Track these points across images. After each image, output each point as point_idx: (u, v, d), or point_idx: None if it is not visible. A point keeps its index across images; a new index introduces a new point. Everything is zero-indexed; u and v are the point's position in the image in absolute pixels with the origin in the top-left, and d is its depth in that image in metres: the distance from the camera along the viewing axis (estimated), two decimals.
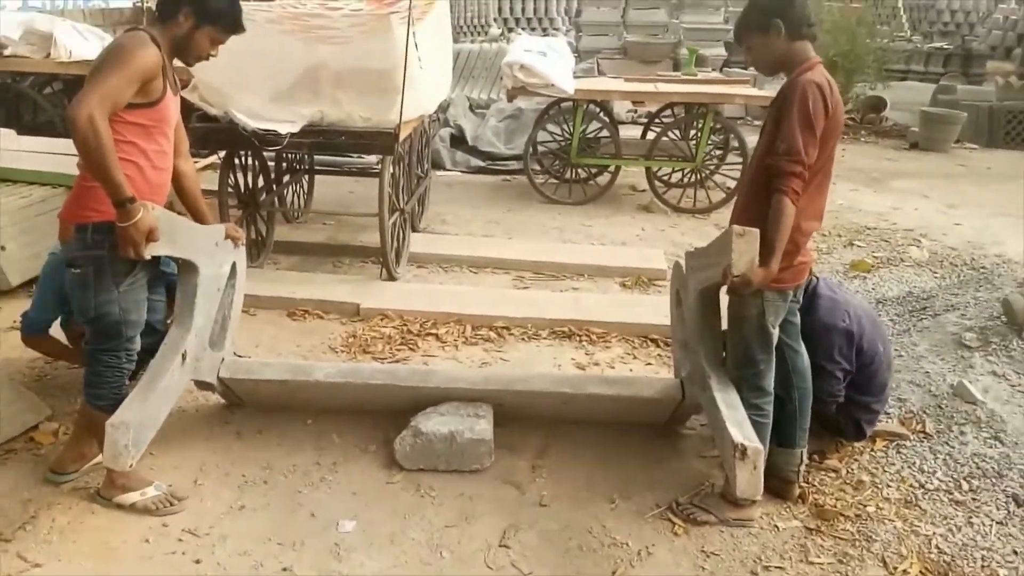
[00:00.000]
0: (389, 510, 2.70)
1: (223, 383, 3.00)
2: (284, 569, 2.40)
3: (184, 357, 2.68)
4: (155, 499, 2.61)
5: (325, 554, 2.48)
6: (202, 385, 2.99)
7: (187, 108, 4.14)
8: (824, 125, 2.46)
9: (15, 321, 3.95)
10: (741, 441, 2.36)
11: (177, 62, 2.59)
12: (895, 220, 6.37)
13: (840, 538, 2.63)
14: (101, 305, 2.48)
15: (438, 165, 7.53)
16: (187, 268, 2.71)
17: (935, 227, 6.15)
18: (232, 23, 2.56)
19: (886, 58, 11.33)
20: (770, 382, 2.72)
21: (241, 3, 2.59)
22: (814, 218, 2.62)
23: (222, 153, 4.74)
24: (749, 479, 2.35)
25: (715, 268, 2.53)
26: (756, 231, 2.36)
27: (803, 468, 2.84)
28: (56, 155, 4.90)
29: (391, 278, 4.71)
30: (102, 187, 2.27)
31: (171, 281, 2.97)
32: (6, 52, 6.20)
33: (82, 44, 6.35)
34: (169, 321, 2.83)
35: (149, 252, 2.36)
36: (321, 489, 2.80)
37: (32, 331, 3.24)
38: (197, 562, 2.41)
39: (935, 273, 5.02)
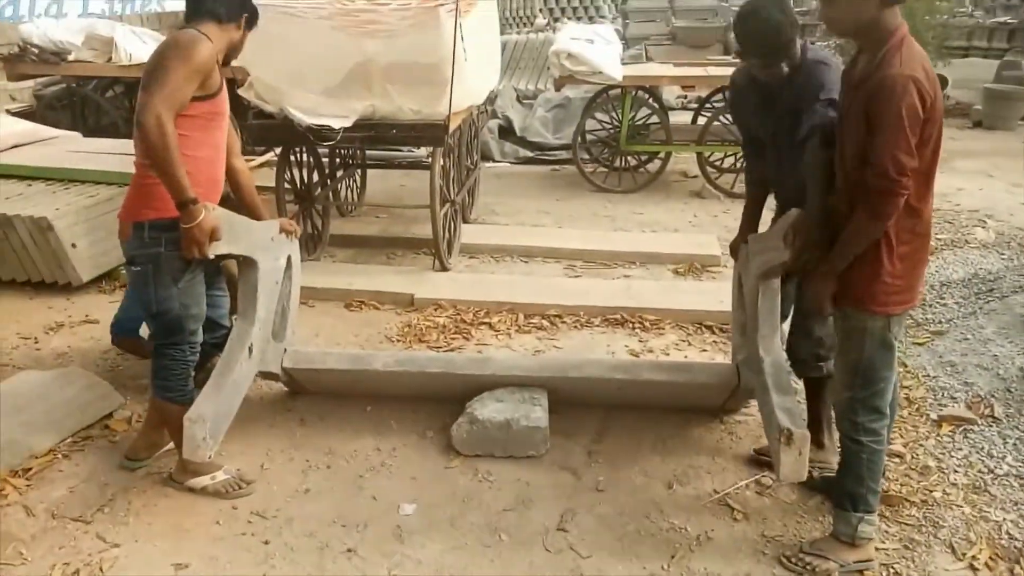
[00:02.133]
0: (448, 494, 2.74)
1: (287, 373, 3.08)
2: (349, 550, 2.46)
3: (251, 350, 2.76)
4: (225, 483, 2.70)
5: (387, 536, 2.53)
6: (266, 375, 3.08)
7: (244, 106, 4.26)
8: (924, 123, 2.11)
9: (87, 315, 4.13)
10: (788, 426, 2.34)
11: None
12: (959, 201, 6.17)
13: (906, 524, 2.58)
14: (162, 301, 2.55)
15: (487, 156, 7.56)
16: (247, 264, 2.78)
17: (1001, 207, 5.94)
18: (255, 24, 2.71)
19: (947, 34, 10.96)
20: (887, 403, 2.39)
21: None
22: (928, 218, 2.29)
23: (278, 150, 4.86)
24: (793, 464, 2.32)
25: (776, 252, 2.50)
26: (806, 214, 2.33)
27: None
28: (120, 155, 5.08)
29: (444, 268, 4.76)
30: (166, 188, 2.34)
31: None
32: (70, 58, 6.42)
33: (141, 47, 6.54)
34: (234, 316, 2.92)
35: (212, 252, 2.43)
36: (382, 474, 2.86)
37: (122, 333, 3.38)
38: (265, 543, 2.49)
39: (1002, 254, 4.85)
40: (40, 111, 6.78)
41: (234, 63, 2.80)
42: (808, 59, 2.56)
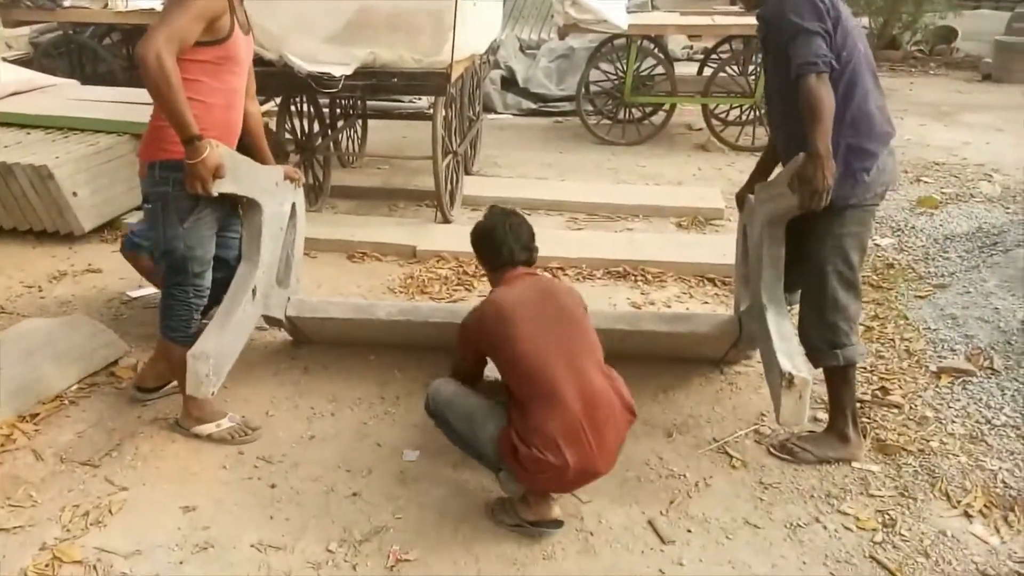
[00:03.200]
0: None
1: (290, 321, 3.09)
2: (354, 494, 2.50)
3: (254, 292, 2.77)
4: (230, 430, 2.73)
5: (392, 481, 2.58)
6: (271, 321, 3.10)
7: None
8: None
9: (90, 264, 4.14)
10: (789, 370, 2.35)
11: None
12: (965, 155, 6.11)
13: (902, 473, 2.62)
14: (168, 240, 2.58)
15: (489, 108, 7.48)
16: (251, 207, 2.78)
17: (1008, 161, 5.89)
18: None
19: None
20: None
21: None
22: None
23: (278, 100, 4.80)
24: (794, 408, 2.35)
25: (782, 199, 2.48)
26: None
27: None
28: (118, 103, 5.03)
29: (446, 220, 4.75)
30: (170, 124, 2.33)
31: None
32: (66, 4, 6.31)
33: None
34: None
35: (216, 189, 2.43)
36: (385, 421, 2.89)
37: (131, 247, 3.42)
38: (272, 487, 2.53)
39: (1007, 208, 4.83)
40: (37, 59, 6.69)
41: None
42: None
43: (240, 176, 2.58)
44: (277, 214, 2.92)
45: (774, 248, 2.68)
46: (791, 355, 2.45)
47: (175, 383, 2.88)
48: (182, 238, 2.56)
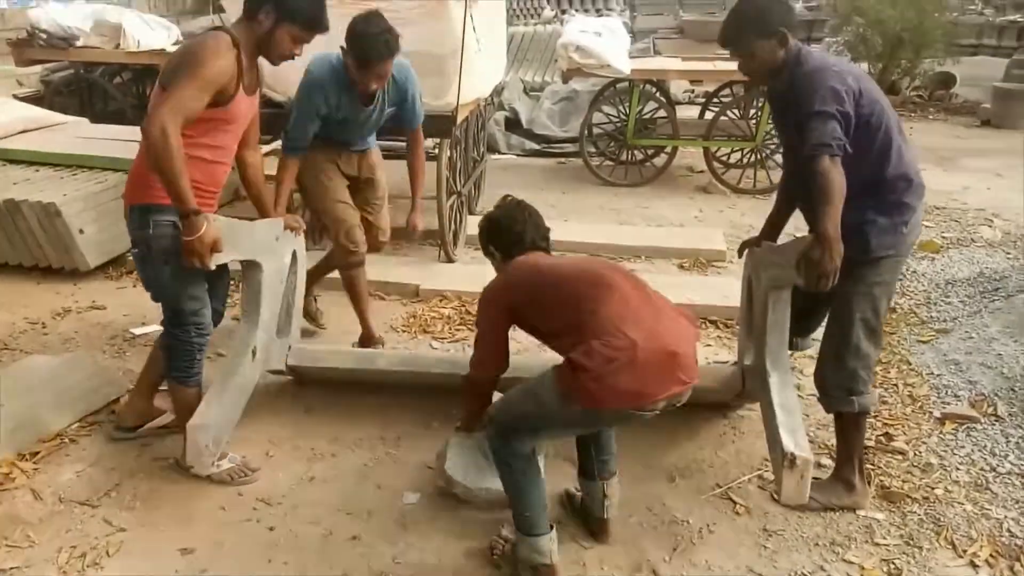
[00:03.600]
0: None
1: (292, 369, 3.10)
2: (353, 537, 2.48)
3: (254, 353, 2.77)
4: (230, 471, 2.71)
5: (392, 524, 2.55)
6: (272, 372, 3.10)
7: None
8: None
9: (94, 301, 4.15)
10: (792, 450, 2.37)
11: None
12: (966, 200, 6.16)
13: (907, 521, 2.59)
14: (158, 283, 2.60)
15: (493, 148, 7.55)
16: (250, 267, 2.76)
17: (1008, 207, 5.92)
18: (313, 22, 2.54)
19: (956, 32, 10.89)
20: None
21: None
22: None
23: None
24: (795, 488, 2.40)
25: (788, 272, 2.49)
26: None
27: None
28: (127, 142, 5.08)
29: (449, 260, 4.77)
30: (169, 196, 2.33)
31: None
32: (78, 43, 6.43)
33: (149, 34, 6.56)
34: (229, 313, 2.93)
35: (214, 263, 2.41)
36: (386, 462, 2.88)
37: None
38: (271, 529, 2.51)
39: (1008, 254, 4.85)
40: (48, 96, 6.80)
41: None
42: (799, 68, 2.46)
43: (238, 242, 2.57)
44: (278, 269, 2.91)
45: (779, 313, 2.68)
46: (794, 431, 2.45)
47: (156, 421, 2.91)
48: (172, 279, 2.55)
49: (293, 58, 2.60)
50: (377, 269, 4.54)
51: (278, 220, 2.94)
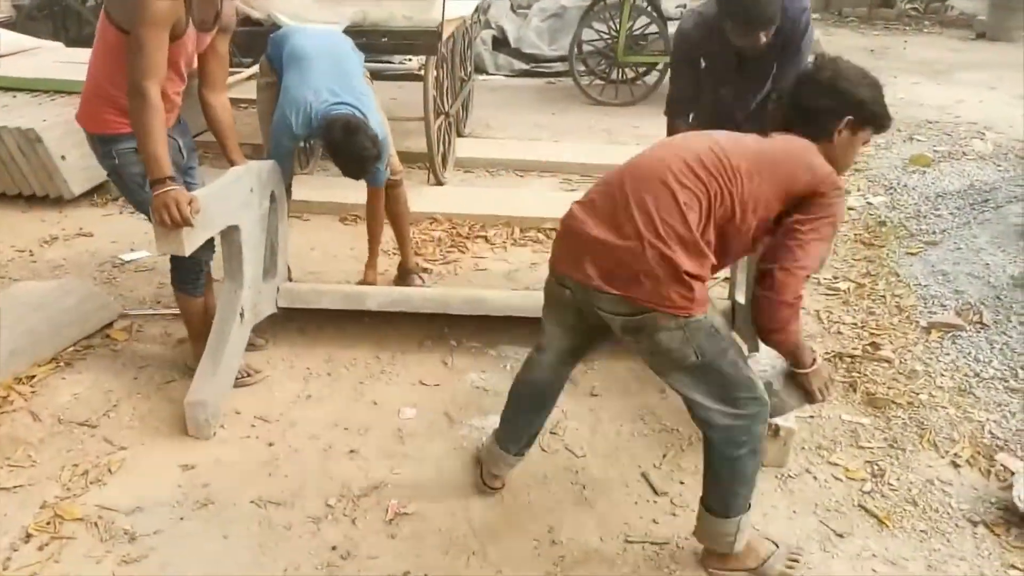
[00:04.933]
0: (447, 399, 2.80)
1: (283, 310, 3.11)
2: (351, 451, 2.53)
3: (242, 314, 2.74)
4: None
5: (389, 438, 2.60)
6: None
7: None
8: None
9: (80, 228, 4.12)
10: (776, 421, 2.35)
11: None
12: (958, 113, 6.10)
13: (891, 425, 2.66)
14: (141, 205, 2.56)
15: (481, 69, 7.40)
16: (229, 229, 2.66)
17: (1001, 119, 5.88)
18: None
19: None
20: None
21: None
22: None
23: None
24: (778, 454, 2.45)
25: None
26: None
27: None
28: None
29: (439, 183, 4.73)
30: (143, 158, 2.27)
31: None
32: None
33: None
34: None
35: (190, 247, 2.31)
36: (382, 380, 2.91)
37: None
38: (270, 445, 2.56)
39: (998, 166, 4.83)
40: (20, 21, 6.57)
41: None
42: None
43: (212, 217, 2.44)
44: (259, 218, 2.82)
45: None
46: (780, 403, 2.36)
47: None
48: (148, 200, 2.42)
49: None
50: (365, 193, 4.50)
51: (252, 166, 2.77)
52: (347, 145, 2.83)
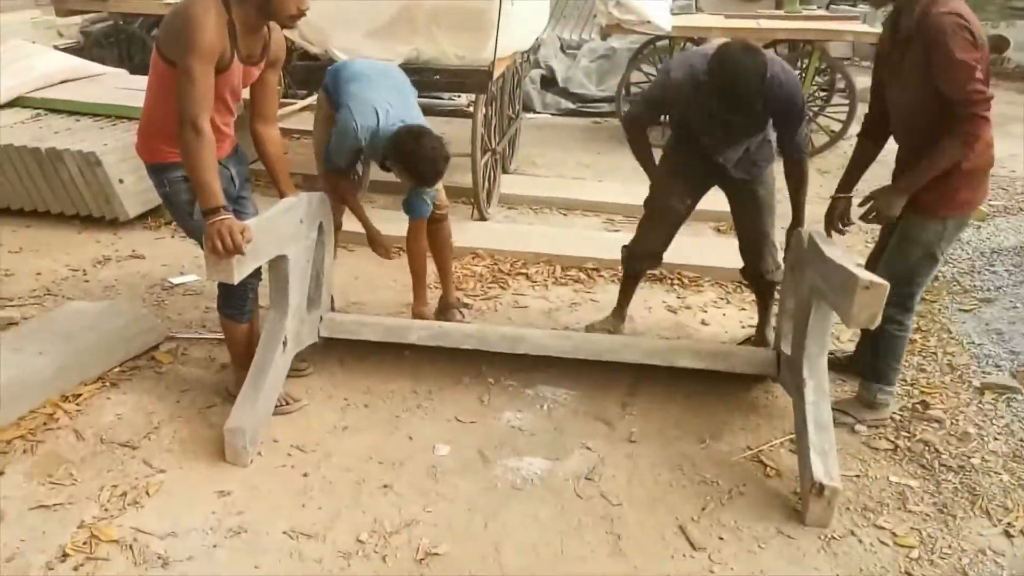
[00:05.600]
0: (482, 437, 2.78)
1: (324, 340, 3.14)
2: (385, 486, 2.52)
3: (285, 343, 2.77)
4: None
5: (422, 474, 2.59)
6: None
7: (288, 49, 4.22)
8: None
9: (133, 250, 4.22)
10: (820, 479, 2.34)
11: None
12: (1014, 167, 5.97)
13: (942, 489, 2.56)
14: (193, 232, 2.61)
15: (528, 107, 7.47)
16: (277, 259, 2.69)
17: None
18: None
19: None
20: (916, 302, 2.80)
21: None
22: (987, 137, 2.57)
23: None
24: (821, 514, 2.38)
25: (831, 297, 2.43)
26: (885, 286, 2.21)
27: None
28: None
29: (482, 218, 4.76)
30: (196, 189, 2.32)
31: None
32: None
33: None
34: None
35: (239, 275, 2.34)
36: (418, 415, 2.91)
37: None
38: (304, 475, 2.56)
39: None
40: (87, 48, 6.83)
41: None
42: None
43: (261, 247, 2.47)
44: (305, 249, 2.86)
45: (820, 319, 2.61)
46: (824, 454, 2.41)
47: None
48: (198, 228, 2.48)
49: (303, 15, 2.43)
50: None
51: (302, 198, 2.79)
52: (419, 148, 2.91)
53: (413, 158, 2.93)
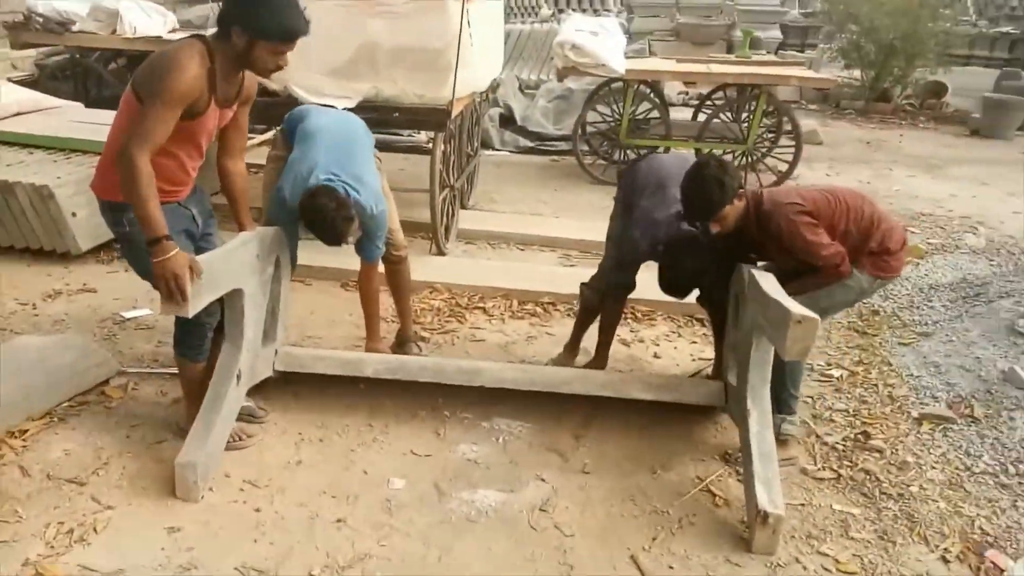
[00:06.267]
0: (438, 470, 2.80)
1: (279, 374, 3.14)
2: (338, 520, 2.51)
3: (239, 378, 2.76)
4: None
5: (377, 508, 2.59)
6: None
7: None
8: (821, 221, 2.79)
9: (84, 284, 4.17)
10: (765, 507, 2.42)
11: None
12: (952, 207, 6.24)
13: (882, 516, 2.65)
14: (148, 273, 2.54)
15: (487, 145, 7.58)
16: (232, 293, 2.70)
17: (993, 215, 6.02)
18: (288, 33, 2.37)
19: (949, 42, 11.00)
20: None
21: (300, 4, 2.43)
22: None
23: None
24: (767, 541, 2.45)
25: (770, 332, 2.54)
26: (816, 320, 2.33)
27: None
28: None
29: (440, 253, 4.81)
30: (138, 220, 2.31)
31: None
32: (74, 28, 6.42)
33: (146, 21, 6.55)
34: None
35: (193, 308, 2.34)
36: (373, 448, 2.91)
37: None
38: (257, 511, 2.54)
39: (991, 260, 4.92)
40: (42, 80, 6.77)
41: None
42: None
43: (217, 280, 2.50)
44: (262, 283, 2.87)
45: (762, 352, 2.72)
46: (768, 483, 2.49)
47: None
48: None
49: (282, 68, 2.47)
50: None
51: (258, 233, 2.84)
52: (311, 207, 2.87)
53: (304, 215, 2.92)
